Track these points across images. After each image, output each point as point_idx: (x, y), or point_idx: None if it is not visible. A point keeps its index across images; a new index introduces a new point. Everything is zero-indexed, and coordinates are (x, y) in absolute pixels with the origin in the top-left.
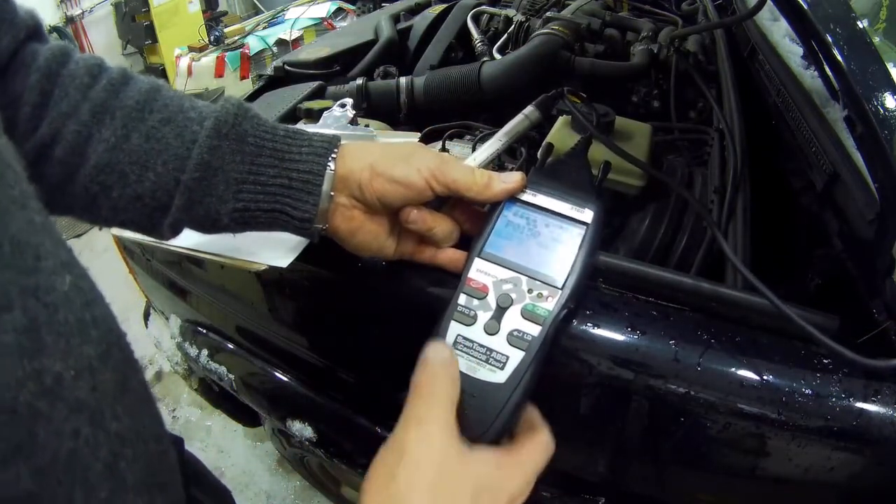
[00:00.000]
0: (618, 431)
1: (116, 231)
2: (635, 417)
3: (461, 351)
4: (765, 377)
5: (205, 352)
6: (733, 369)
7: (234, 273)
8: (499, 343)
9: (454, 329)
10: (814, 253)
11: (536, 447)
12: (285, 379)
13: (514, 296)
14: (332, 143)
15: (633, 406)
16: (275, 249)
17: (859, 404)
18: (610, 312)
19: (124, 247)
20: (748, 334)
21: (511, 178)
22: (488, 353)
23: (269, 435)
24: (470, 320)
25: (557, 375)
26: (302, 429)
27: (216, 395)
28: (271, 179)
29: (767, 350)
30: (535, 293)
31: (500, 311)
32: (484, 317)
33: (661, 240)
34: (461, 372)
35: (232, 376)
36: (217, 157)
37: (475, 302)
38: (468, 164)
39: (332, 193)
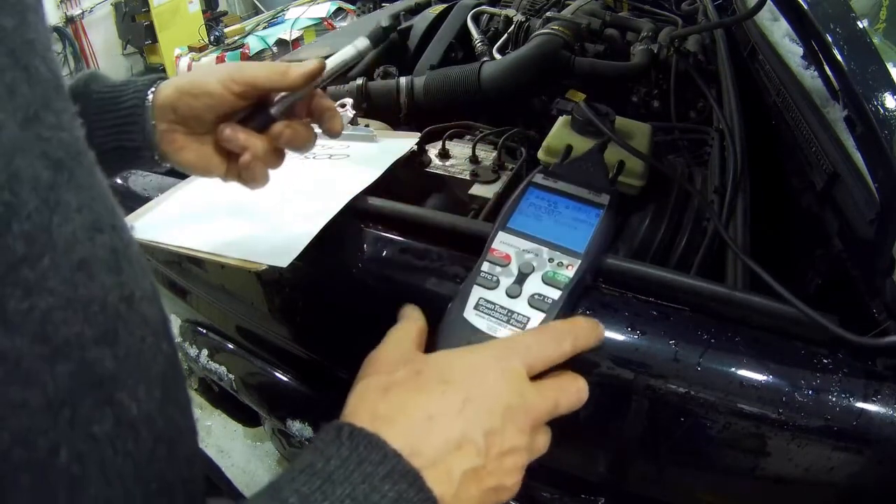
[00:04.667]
0: (618, 431)
1: None
2: (635, 417)
3: (483, 312)
4: (765, 377)
5: (205, 352)
6: (733, 369)
7: (234, 273)
8: (520, 306)
9: (476, 293)
10: (814, 253)
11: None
12: (285, 379)
13: (535, 264)
14: (153, 79)
15: (633, 406)
16: (274, 249)
17: (859, 404)
18: (610, 312)
19: None
20: (748, 334)
21: (308, 64)
22: (509, 314)
23: (269, 435)
24: (493, 284)
25: None
26: (302, 429)
27: (216, 395)
28: (110, 121)
29: (767, 350)
30: (555, 262)
31: (522, 276)
32: (506, 282)
33: (661, 240)
34: (482, 332)
35: (232, 376)
36: None
37: (498, 269)
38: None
39: (153, 122)
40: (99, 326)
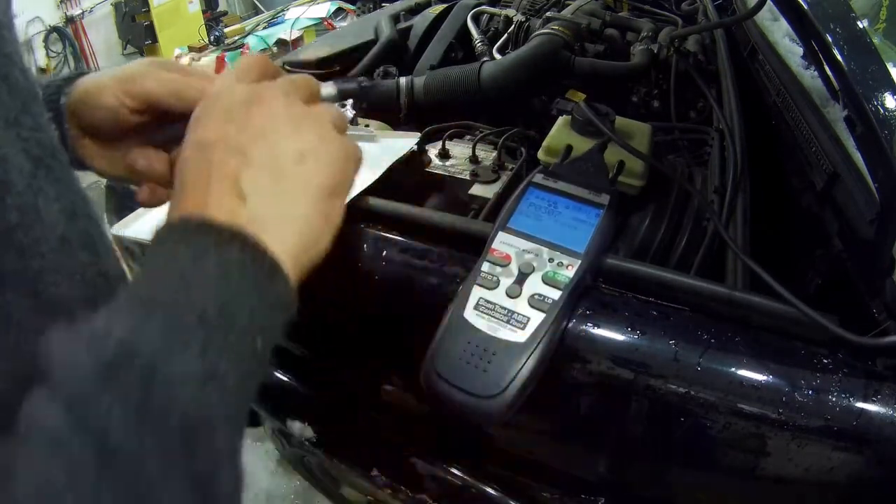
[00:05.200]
0: (618, 431)
1: (116, 231)
2: (635, 417)
3: (483, 312)
4: (765, 377)
5: None
6: (733, 369)
7: None
8: (520, 306)
9: (476, 293)
10: (814, 253)
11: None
12: (285, 379)
13: (535, 264)
14: (69, 78)
15: (633, 406)
16: None
17: (859, 404)
18: (610, 312)
19: (124, 247)
20: (748, 334)
21: (206, 83)
22: (510, 314)
23: (269, 435)
24: (493, 284)
25: (558, 375)
26: (302, 429)
27: None
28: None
29: (767, 350)
30: (555, 262)
31: (522, 276)
32: (506, 282)
33: (661, 240)
34: (482, 331)
35: None
36: None
37: (498, 269)
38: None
39: (66, 126)
40: (81, 291)
